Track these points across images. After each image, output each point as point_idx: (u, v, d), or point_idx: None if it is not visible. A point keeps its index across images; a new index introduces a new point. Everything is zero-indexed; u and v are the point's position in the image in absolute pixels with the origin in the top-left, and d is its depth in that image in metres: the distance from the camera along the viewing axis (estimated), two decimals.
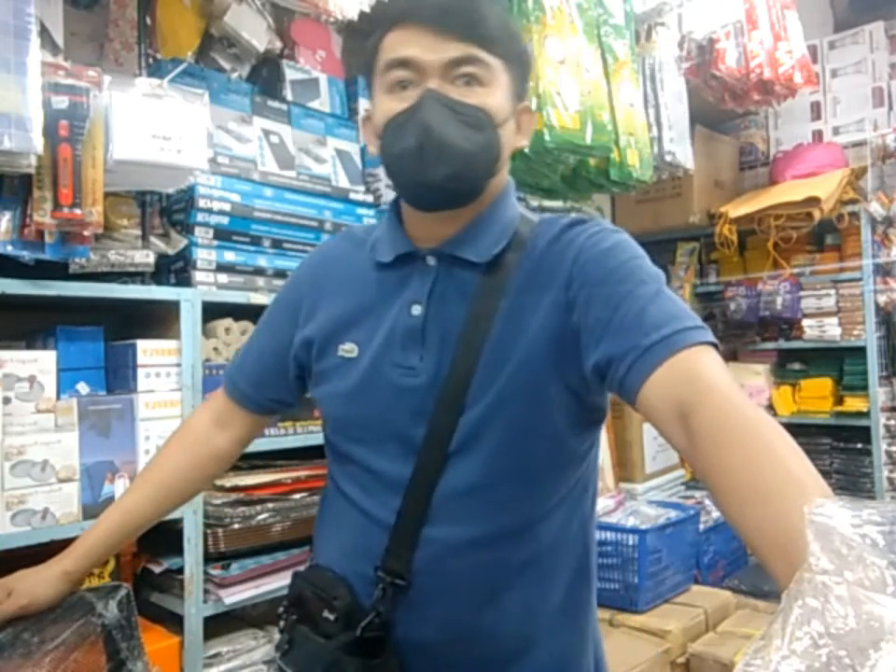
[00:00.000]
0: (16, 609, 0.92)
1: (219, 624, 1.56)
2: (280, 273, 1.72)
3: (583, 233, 0.85)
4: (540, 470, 0.85)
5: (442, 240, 0.88)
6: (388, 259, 0.90)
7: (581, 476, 0.90)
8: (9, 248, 1.24)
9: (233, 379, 1.04)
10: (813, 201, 2.83)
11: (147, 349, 1.44)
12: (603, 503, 2.35)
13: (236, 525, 1.56)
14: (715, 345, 0.73)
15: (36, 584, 0.95)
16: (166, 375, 1.47)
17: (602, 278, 0.80)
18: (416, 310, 0.86)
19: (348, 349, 0.89)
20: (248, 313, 1.67)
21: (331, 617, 0.84)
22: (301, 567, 0.97)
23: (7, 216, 1.24)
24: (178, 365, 1.48)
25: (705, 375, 0.69)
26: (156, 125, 1.34)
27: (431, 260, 0.88)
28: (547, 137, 1.87)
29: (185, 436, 1.07)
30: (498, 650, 0.86)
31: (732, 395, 0.66)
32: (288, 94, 1.90)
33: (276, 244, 1.72)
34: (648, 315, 0.75)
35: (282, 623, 0.91)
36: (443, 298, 0.86)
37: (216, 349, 1.60)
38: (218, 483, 1.55)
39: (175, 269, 1.62)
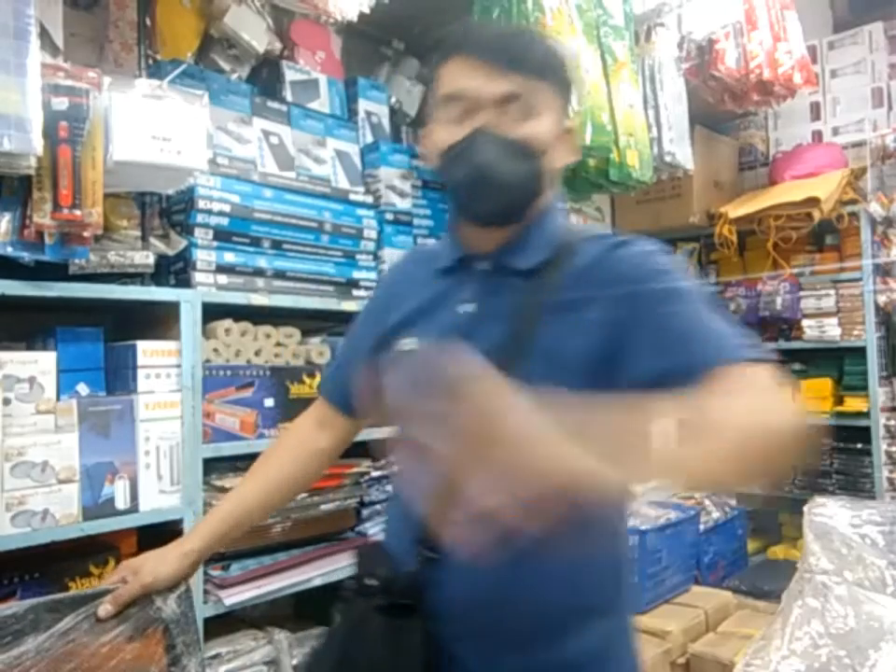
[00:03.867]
0: (140, 587, 0.98)
1: (219, 625, 1.56)
2: (280, 274, 1.72)
3: (634, 257, 0.91)
4: None
5: (494, 247, 0.96)
6: (447, 264, 1.00)
7: None
8: (9, 249, 1.24)
9: (329, 385, 1.17)
10: (813, 201, 2.83)
11: (147, 350, 1.44)
12: None
13: None
14: (764, 359, 0.80)
15: (159, 563, 1.01)
16: (166, 376, 1.47)
17: (656, 298, 0.86)
18: (469, 307, 0.95)
19: (407, 343, 0.99)
20: (248, 313, 1.67)
21: (373, 582, 0.92)
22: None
23: (7, 217, 1.24)
24: (178, 366, 1.48)
25: (745, 374, 0.77)
26: (156, 126, 1.34)
27: (483, 265, 0.97)
28: None
29: (290, 436, 1.19)
30: (525, 620, 0.88)
31: (756, 380, 0.76)
32: (288, 95, 1.90)
33: (276, 244, 1.72)
34: (697, 332, 0.82)
35: (343, 595, 0.99)
36: (493, 297, 0.94)
37: (216, 350, 1.60)
38: (218, 483, 1.55)
39: (174, 270, 1.62)
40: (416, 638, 0.88)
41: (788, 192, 2.98)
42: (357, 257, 1.89)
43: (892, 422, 2.89)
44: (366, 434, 1.82)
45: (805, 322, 3.06)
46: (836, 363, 3.10)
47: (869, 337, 2.89)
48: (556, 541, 0.87)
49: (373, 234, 1.91)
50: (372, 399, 1.11)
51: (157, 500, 1.44)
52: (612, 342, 0.86)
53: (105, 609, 0.94)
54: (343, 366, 1.15)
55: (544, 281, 0.92)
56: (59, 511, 1.30)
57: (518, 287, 0.93)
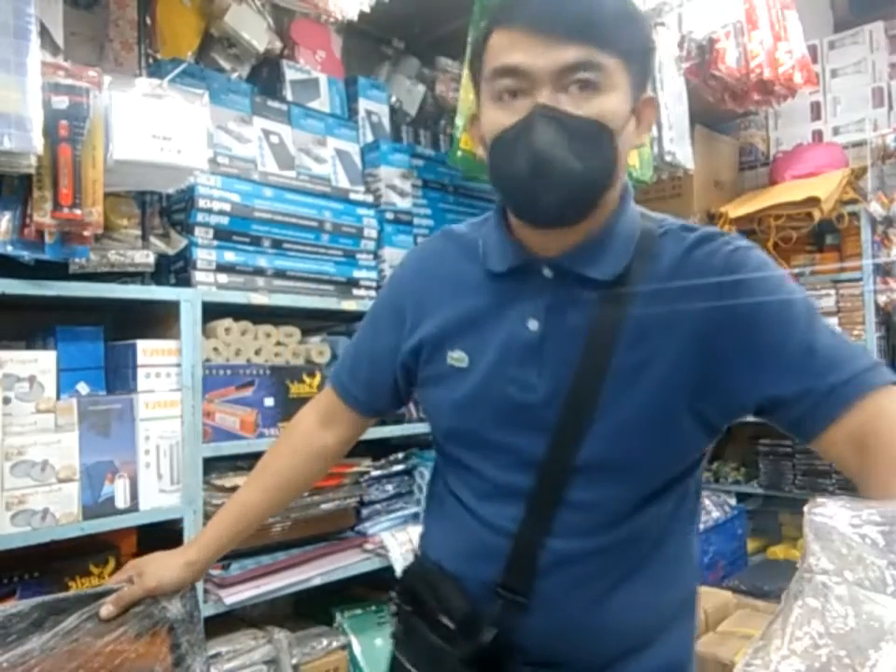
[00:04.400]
0: (144, 591, 0.96)
1: (219, 624, 1.56)
2: (280, 273, 1.72)
3: (717, 254, 0.80)
4: (662, 484, 0.85)
5: (559, 251, 0.83)
6: (501, 268, 0.86)
7: (691, 487, 0.89)
8: (9, 248, 1.24)
9: (345, 382, 1.04)
10: (813, 201, 2.83)
11: (147, 349, 1.44)
12: None
13: None
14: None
15: (163, 570, 0.98)
16: (166, 375, 1.47)
17: (751, 308, 0.76)
18: (533, 325, 0.83)
19: (458, 358, 0.87)
20: (248, 312, 1.67)
21: (450, 624, 0.85)
22: (411, 559, 1.00)
23: (7, 216, 1.24)
24: (178, 365, 1.48)
25: (887, 411, 0.70)
26: (156, 125, 1.34)
27: (548, 273, 0.83)
28: None
29: (292, 435, 1.09)
30: (612, 646, 0.85)
31: None
32: (288, 94, 1.90)
33: (276, 244, 1.72)
34: (819, 351, 0.74)
35: (395, 608, 0.93)
36: (562, 313, 0.82)
37: (216, 349, 1.60)
38: (218, 482, 1.55)
39: (174, 269, 1.62)
40: None
41: (788, 192, 2.98)
42: (358, 256, 1.89)
43: None
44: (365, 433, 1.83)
45: None
46: None
47: (869, 337, 2.88)
48: (633, 582, 0.84)
49: (374, 234, 1.91)
50: (395, 402, 1.04)
51: (157, 499, 1.44)
52: (707, 360, 0.77)
53: (106, 609, 0.93)
54: (360, 360, 1.03)
55: (622, 293, 0.80)
56: (59, 511, 1.30)
57: (592, 300, 0.81)
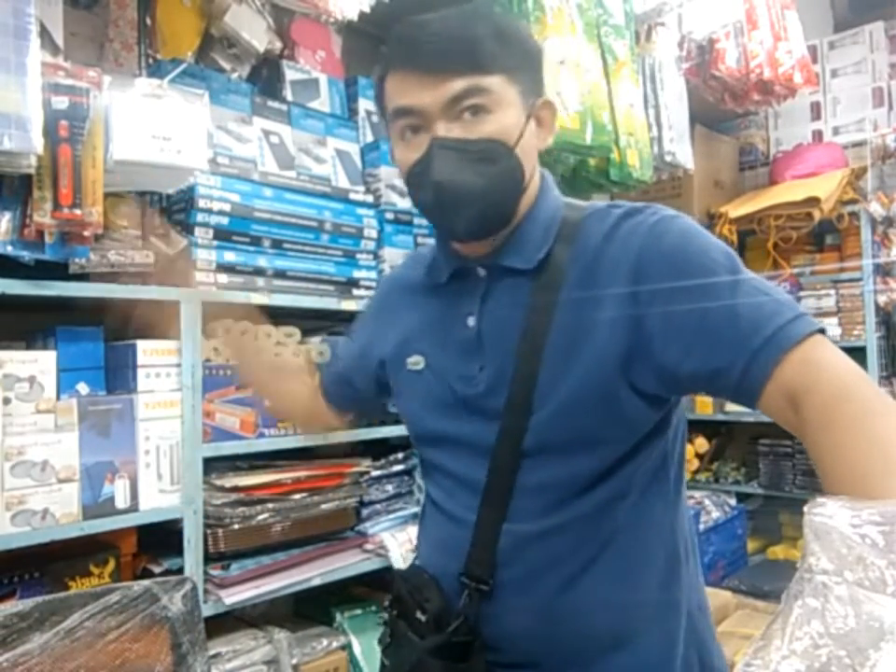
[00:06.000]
0: None
1: (219, 624, 1.56)
2: (280, 273, 1.72)
3: (641, 225, 0.82)
4: (614, 461, 0.84)
5: (487, 250, 0.89)
6: (443, 279, 0.94)
7: (659, 459, 0.88)
8: (9, 248, 1.24)
9: (329, 388, 1.18)
10: (813, 201, 2.84)
11: (147, 349, 1.44)
12: None
13: (236, 525, 1.56)
14: (822, 330, 0.73)
15: None
16: (166, 375, 1.47)
17: (674, 278, 0.77)
18: (471, 321, 0.89)
19: (415, 362, 0.95)
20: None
21: (423, 618, 0.87)
22: (402, 567, 1.06)
23: (7, 216, 1.24)
24: (178, 365, 1.48)
25: (816, 364, 0.70)
26: (156, 125, 1.34)
27: (481, 272, 0.90)
28: None
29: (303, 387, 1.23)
30: (581, 646, 0.85)
31: (843, 379, 0.67)
32: (288, 94, 1.90)
33: (276, 244, 1.72)
34: (742, 316, 0.73)
35: (385, 616, 0.96)
36: (496, 306, 0.88)
37: (215, 349, 1.60)
38: (218, 482, 1.55)
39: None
40: None
41: (788, 192, 2.99)
42: (358, 256, 1.89)
43: None
44: (366, 433, 1.83)
45: None
46: None
47: (869, 337, 2.89)
48: (603, 563, 0.84)
49: (374, 234, 1.91)
50: (370, 409, 1.17)
51: (157, 499, 1.44)
52: (636, 333, 0.79)
53: None
54: (343, 372, 1.14)
55: (550, 276, 0.84)
56: (59, 511, 1.30)
57: (523, 288, 0.86)
